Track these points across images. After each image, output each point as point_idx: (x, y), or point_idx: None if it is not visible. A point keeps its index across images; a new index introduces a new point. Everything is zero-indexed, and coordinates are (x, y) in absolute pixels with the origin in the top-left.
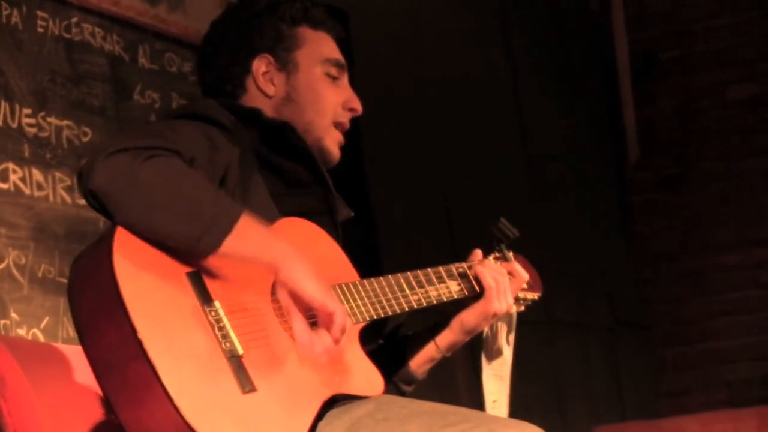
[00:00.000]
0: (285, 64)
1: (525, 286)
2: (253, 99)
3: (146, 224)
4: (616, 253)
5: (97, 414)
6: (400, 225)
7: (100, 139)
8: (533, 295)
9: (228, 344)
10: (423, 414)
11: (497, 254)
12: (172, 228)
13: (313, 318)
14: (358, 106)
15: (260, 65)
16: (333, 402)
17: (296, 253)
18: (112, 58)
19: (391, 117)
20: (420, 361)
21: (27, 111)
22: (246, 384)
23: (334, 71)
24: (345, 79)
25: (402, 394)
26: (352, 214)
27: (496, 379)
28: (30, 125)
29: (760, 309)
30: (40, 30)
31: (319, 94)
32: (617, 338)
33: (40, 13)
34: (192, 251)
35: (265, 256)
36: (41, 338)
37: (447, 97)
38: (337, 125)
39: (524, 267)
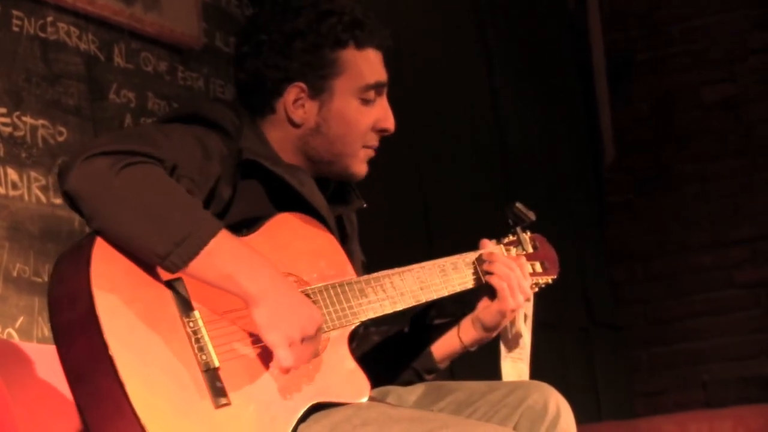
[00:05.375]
0: (319, 92)
1: (540, 269)
2: (278, 123)
3: (116, 233)
4: (591, 254)
5: (72, 414)
6: (377, 221)
7: (75, 139)
8: (547, 279)
9: (204, 357)
10: (402, 420)
11: (512, 237)
12: (140, 241)
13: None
14: (389, 125)
15: (292, 93)
16: (315, 410)
17: (264, 292)
18: (87, 57)
19: None
20: (443, 353)
21: (2, 110)
22: (220, 398)
23: (371, 95)
24: (382, 97)
25: (422, 381)
26: (365, 205)
27: (514, 363)
28: (5, 124)
29: (735, 309)
30: (16, 29)
31: (350, 126)
32: (593, 338)
33: (15, 12)
34: (159, 267)
35: (232, 288)
36: (16, 338)
37: (423, 96)
38: (367, 147)
39: (542, 247)
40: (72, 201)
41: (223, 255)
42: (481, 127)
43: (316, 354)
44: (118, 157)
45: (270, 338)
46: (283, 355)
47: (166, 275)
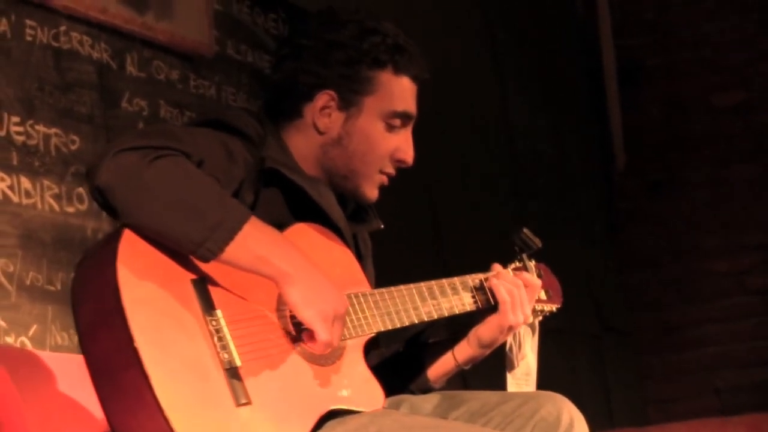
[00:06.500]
0: (348, 106)
1: (544, 297)
2: (303, 127)
3: (149, 225)
4: (602, 260)
5: (84, 422)
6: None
7: (88, 147)
8: (551, 307)
9: (226, 355)
10: (416, 428)
11: (518, 264)
12: (174, 231)
13: None
14: (408, 158)
15: (322, 99)
16: (331, 416)
17: (298, 272)
18: (100, 65)
19: None
20: (438, 372)
21: (15, 119)
22: (241, 396)
23: (397, 122)
24: (407, 128)
25: None
26: (382, 226)
27: (520, 388)
28: (18, 133)
29: (747, 315)
30: (29, 38)
31: (371, 147)
32: (604, 345)
33: (28, 22)
34: (194, 255)
35: (267, 269)
36: (29, 346)
37: (433, 104)
38: (382, 173)
39: (546, 276)
40: (103, 196)
41: (256, 238)
42: (491, 133)
43: (342, 339)
44: (147, 151)
45: (306, 314)
46: (321, 329)
47: (190, 274)
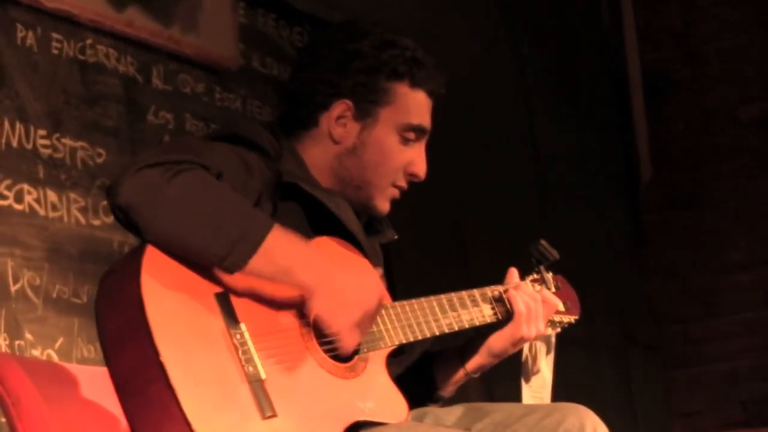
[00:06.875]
0: (364, 116)
1: (562, 308)
2: (319, 137)
3: (173, 241)
4: (628, 272)
5: None
6: (412, 248)
7: (114, 160)
8: (570, 318)
9: (251, 368)
10: None
11: (536, 275)
12: (198, 245)
13: None
14: (420, 172)
15: (338, 108)
16: (356, 429)
17: (321, 283)
18: (125, 79)
19: None
20: (446, 381)
21: (42, 132)
22: (267, 409)
23: (411, 136)
24: (421, 142)
25: None
26: (396, 236)
27: (535, 401)
28: (44, 146)
29: None
30: (55, 51)
31: (385, 158)
32: (630, 357)
33: (54, 35)
34: (219, 268)
35: (290, 280)
36: (55, 359)
37: (459, 118)
38: (394, 186)
39: (564, 288)
40: (125, 214)
41: (280, 249)
42: (516, 146)
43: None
44: (167, 167)
45: (331, 331)
46: (346, 341)
47: (213, 287)
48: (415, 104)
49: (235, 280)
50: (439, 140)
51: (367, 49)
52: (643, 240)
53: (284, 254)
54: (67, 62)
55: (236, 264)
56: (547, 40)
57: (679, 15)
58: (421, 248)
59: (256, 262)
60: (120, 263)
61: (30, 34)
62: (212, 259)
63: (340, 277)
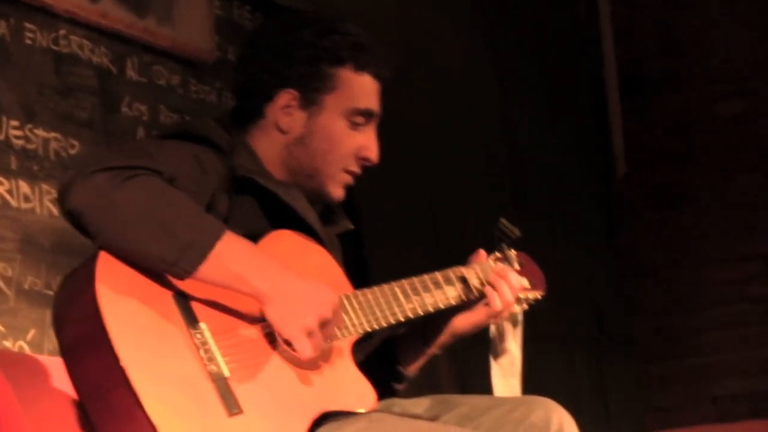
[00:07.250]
0: (310, 104)
1: (527, 285)
2: (267, 128)
3: (122, 246)
4: (602, 268)
5: (81, 425)
6: (387, 236)
7: (87, 152)
8: (535, 294)
9: (214, 367)
10: (414, 431)
11: (499, 254)
12: (147, 251)
13: None
14: (372, 155)
15: (283, 98)
16: (324, 418)
17: (274, 288)
18: (100, 70)
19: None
20: (411, 361)
21: (14, 123)
22: (232, 406)
23: (360, 120)
24: (371, 126)
25: (394, 392)
26: (352, 227)
27: (505, 379)
28: (17, 137)
29: (747, 324)
30: (28, 42)
31: (333, 145)
32: (603, 352)
33: (28, 25)
34: (169, 275)
35: (243, 287)
36: (27, 350)
37: (433, 110)
38: (347, 172)
39: (527, 264)
40: (75, 219)
41: (231, 256)
42: (491, 141)
43: (333, 338)
44: (117, 172)
45: (286, 334)
46: (300, 348)
47: (170, 289)
48: (361, 88)
49: (192, 280)
50: (414, 132)
51: (308, 37)
52: (617, 236)
53: (235, 261)
54: (40, 53)
55: (186, 270)
56: (523, 37)
57: (658, 10)
58: (397, 238)
59: (206, 268)
60: (74, 271)
61: (3, 23)
62: (161, 265)
63: (293, 284)
